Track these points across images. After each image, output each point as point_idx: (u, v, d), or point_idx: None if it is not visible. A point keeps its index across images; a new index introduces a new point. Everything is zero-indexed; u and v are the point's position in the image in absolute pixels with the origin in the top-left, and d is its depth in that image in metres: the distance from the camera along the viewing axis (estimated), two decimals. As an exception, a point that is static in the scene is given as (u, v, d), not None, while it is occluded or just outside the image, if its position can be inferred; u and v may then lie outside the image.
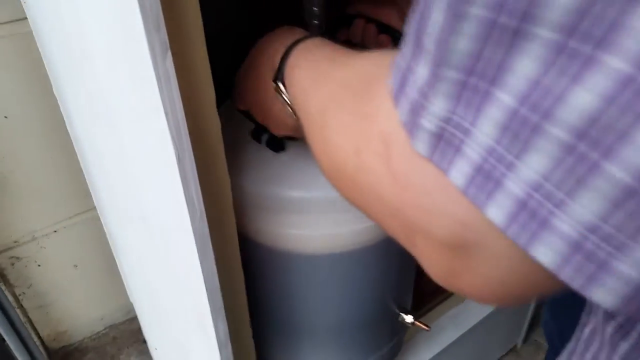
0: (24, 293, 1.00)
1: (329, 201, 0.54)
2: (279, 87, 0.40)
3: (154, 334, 0.95)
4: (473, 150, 0.18)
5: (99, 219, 0.95)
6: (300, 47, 0.40)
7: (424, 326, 0.72)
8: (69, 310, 1.09)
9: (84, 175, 0.88)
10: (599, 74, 0.14)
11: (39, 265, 1.00)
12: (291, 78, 0.39)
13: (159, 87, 0.36)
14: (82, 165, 0.86)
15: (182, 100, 0.37)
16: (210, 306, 0.49)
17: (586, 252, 0.16)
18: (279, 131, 0.48)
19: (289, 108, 0.41)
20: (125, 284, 1.04)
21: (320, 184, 0.53)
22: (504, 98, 0.17)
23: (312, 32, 0.55)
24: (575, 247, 0.17)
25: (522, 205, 0.17)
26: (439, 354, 0.89)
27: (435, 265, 0.23)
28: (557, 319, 0.76)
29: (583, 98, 0.15)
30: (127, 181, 0.57)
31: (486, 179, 0.18)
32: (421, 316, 0.86)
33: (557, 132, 0.16)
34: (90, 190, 0.89)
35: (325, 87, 0.33)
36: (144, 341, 1.15)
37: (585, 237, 0.16)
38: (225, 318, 0.50)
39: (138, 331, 1.18)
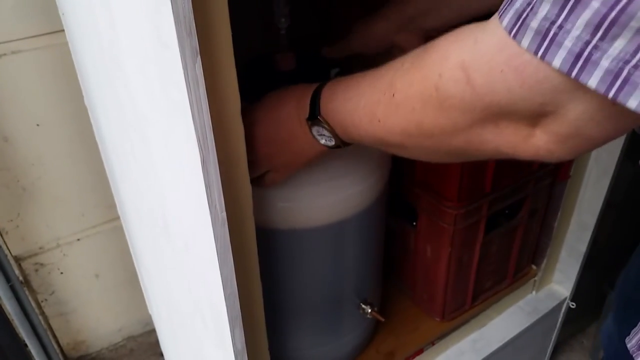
0: (46, 300, 1.01)
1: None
2: (317, 120, 0.48)
3: (171, 347, 0.95)
4: (569, 41, 0.27)
5: (122, 230, 0.96)
6: (327, 87, 0.48)
7: (379, 317, 0.77)
8: (88, 320, 1.10)
9: (109, 185, 0.90)
10: None
11: (61, 273, 1.01)
12: (332, 106, 0.47)
13: (187, 91, 0.37)
14: (108, 174, 0.88)
15: (209, 105, 0.38)
16: (228, 314, 0.49)
17: None
18: (289, 171, 0.56)
19: (328, 132, 0.48)
20: (145, 295, 1.05)
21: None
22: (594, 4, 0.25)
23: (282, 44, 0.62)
24: None
25: (611, 73, 0.26)
26: (457, 379, 0.88)
27: (517, 138, 0.34)
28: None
29: None
30: (152, 188, 0.58)
31: (582, 59, 0.26)
32: (441, 338, 0.86)
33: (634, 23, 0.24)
34: (115, 200, 0.91)
35: (377, 81, 0.42)
36: (161, 354, 1.15)
37: None
38: (242, 326, 0.50)
39: (156, 344, 1.18)
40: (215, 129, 0.40)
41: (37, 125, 0.89)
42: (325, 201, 0.62)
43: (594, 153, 0.92)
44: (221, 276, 0.45)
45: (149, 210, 0.65)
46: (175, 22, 0.34)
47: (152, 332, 1.18)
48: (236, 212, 0.47)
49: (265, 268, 0.55)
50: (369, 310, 0.75)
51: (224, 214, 0.43)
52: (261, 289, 0.53)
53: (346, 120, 0.46)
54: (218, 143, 0.40)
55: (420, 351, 0.87)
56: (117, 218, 0.98)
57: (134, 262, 0.98)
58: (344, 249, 0.68)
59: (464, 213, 0.78)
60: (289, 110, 0.51)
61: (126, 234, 0.93)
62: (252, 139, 0.53)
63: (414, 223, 0.88)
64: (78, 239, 1.01)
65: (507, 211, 0.91)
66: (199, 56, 0.36)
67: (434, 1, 0.66)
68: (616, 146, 0.89)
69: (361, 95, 0.44)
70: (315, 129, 0.49)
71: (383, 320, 0.77)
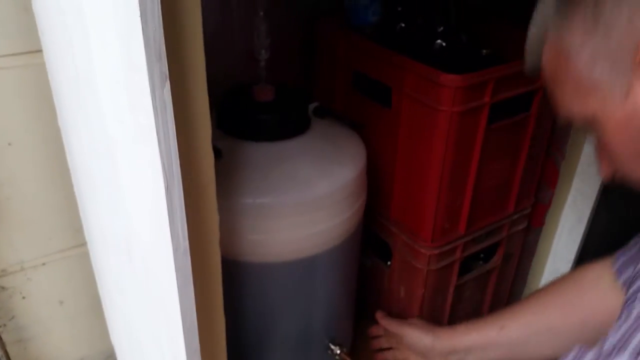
0: (4, 325, 0.97)
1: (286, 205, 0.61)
2: None
3: (132, 380, 0.92)
4: None
5: (88, 256, 0.93)
6: None
7: (348, 359, 0.75)
8: (48, 348, 1.06)
9: (78, 209, 0.88)
10: None
11: (23, 298, 0.97)
12: None
13: (154, 116, 0.36)
14: (77, 198, 0.86)
15: (177, 132, 0.37)
16: (186, 348, 0.47)
17: None
18: None
19: None
20: (108, 325, 1.01)
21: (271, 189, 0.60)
22: None
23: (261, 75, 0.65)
24: None
25: None
26: None
27: None
28: None
29: None
30: (118, 213, 0.56)
31: None
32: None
33: None
34: (83, 224, 0.88)
35: None
36: (122, 388, 1.11)
37: None
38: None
39: (117, 377, 1.13)
40: (183, 156, 0.39)
41: (9, 144, 0.87)
42: (297, 235, 0.61)
43: (569, 200, 0.92)
44: (180, 308, 0.44)
45: (113, 236, 0.64)
46: (145, 46, 0.34)
47: (115, 363, 1.14)
48: (201, 242, 0.46)
49: (232, 301, 0.53)
50: (338, 352, 0.73)
51: (187, 242, 0.42)
52: (224, 323, 0.52)
53: None
54: (185, 171, 0.40)
55: (389, 395, 0.85)
56: (85, 244, 0.95)
57: (99, 289, 0.95)
58: (314, 286, 0.67)
59: (438, 254, 0.78)
60: None
61: (92, 260, 0.91)
62: None
63: (388, 262, 0.87)
64: (43, 263, 0.97)
65: (482, 255, 0.91)
66: (167, 81, 0.35)
67: (485, 344, 0.74)
68: (591, 194, 0.90)
69: None
70: None
71: None
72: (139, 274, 0.56)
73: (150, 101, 0.35)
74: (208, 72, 0.40)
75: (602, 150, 0.50)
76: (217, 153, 0.58)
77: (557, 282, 0.73)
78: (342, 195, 0.64)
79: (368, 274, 0.90)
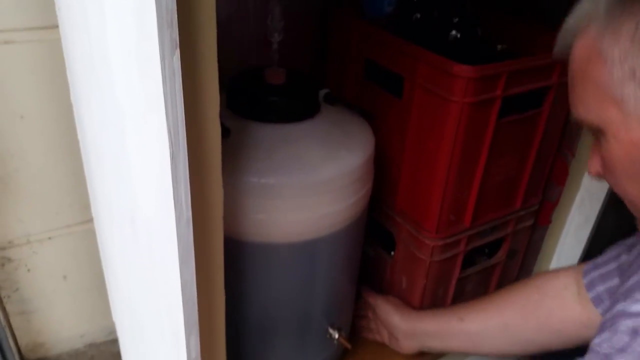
0: (9, 296, 0.99)
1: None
2: None
3: (131, 356, 0.92)
4: None
5: (94, 233, 0.94)
6: None
7: (346, 344, 0.76)
8: (50, 322, 1.07)
9: (86, 185, 0.88)
10: None
11: (28, 270, 0.99)
12: None
13: (163, 83, 0.36)
14: (85, 173, 0.87)
15: (185, 101, 0.37)
16: (185, 321, 0.47)
17: None
18: None
19: None
20: (110, 302, 1.02)
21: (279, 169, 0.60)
22: None
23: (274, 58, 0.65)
24: None
25: None
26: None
27: None
28: None
29: None
30: (124, 184, 0.56)
31: None
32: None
33: None
34: (90, 201, 0.89)
35: None
36: (122, 366, 1.12)
37: None
38: (198, 335, 0.48)
39: (117, 355, 1.14)
40: (190, 126, 0.39)
41: (21, 117, 0.88)
42: (301, 217, 0.61)
43: (577, 200, 0.92)
44: (181, 279, 0.44)
45: (119, 210, 0.64)
46: (157, 12, 0.34)
47: (116, 341, 1.14)
48: (205, 216, 0.46)
49: (233, 280, 0.54)
50: (337, 336, 0.73)
51: (190, 213, 0.42)
52: (224, 299, 0.52)
53: None
54: (192, 141, 0.40)
55: (385, 384, 0.85)
56: (91, 220, 0.96)
57: (103, 267, 0.95)
58: (316, 269, 0.67)
59: (442, 246, 0.78)
60: None
61: (97, 236, 0.91)
62: None
63: (392, 253, 0.87)
64: (49, 238, 0.98)
65: (486, 250, 0.91)
66: (177, 49, 0.35)
67: (443, 332, 0.78)
68: (600, 195, 0.90)
69: None
70: None
71: (350, 347, 0.76)
72: (142, 246, 0.57)
73: (160, 68, 0.36)
74: (221, 55, 0.40)
75: (598, 152, 0.50)
76: (226, 132, 0.58)
77: (522, 283, 0.76)
78: (348, 181, 0.64)
79: (371, 264, 0.90)
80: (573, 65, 0.49)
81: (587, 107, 0.48)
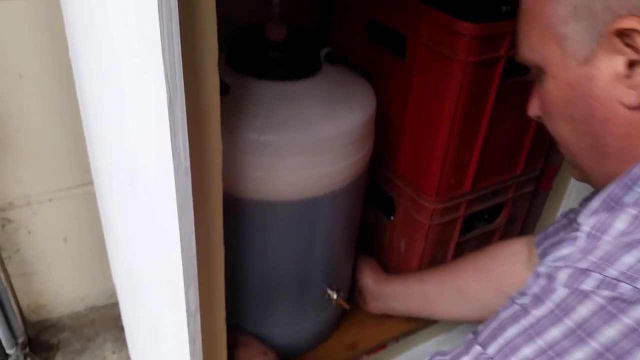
0: (9, 257, 0.99)
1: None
2: None
3: (131, 318, 0.93)
4: None
5: (94, 196, 0.94)
6: None
7: (344, 304, 0.77)
8: (51, 284, 1.07)
9: (86, 147, 0.88)
10: None
11: (29, 232, 0.99)
12: None
13: (160, 26, 0.35)
14: (85, 134, 0.86)
15: (183, 46, 0.37)
16: (184, 271, 0.47)
17: None
18: None
19: None
20: (111, 265, 1.03)
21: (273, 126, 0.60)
22: None
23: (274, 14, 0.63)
24: None
25: None
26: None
27: None
28: None
29: None
30: (122, 139, 0.56)
31: None
32: (406, 336, 0.84)
33: None
34: (90, 162, 0.89)
35: None
36: (122, 329, 1.13)
37: None
38: (197, 287, 0.48)
39: (118, 317, 1.15)
40: (188, 72, 0.38)
41: (20, 76, 0.87)
42: (300, 175, 0.61)
43: (578, 167, 0.91)
44: (179, 229, 0.44)
45: (119, 170, 0.64)
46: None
47: (116, 305, 1.16)
48: (204, 169, 0.46)
49: (232, 238, 0.53)
50: (335, 297, 0.74)
51: (188, 163, 0.41)
52: (223, 253, 0.52)
53: None
54: (190, 88, 0.39)
55: (382, 347, 0.85)
56: (91, 183, 0.96)
57: (103, 230, 0.96)
58: (315, 228, 0.67)
59: (441, 209, 0.78)
60: None
61: (97, 198, 0.91)
62: None
63: (391, 218, 0.87)
64: (50, 199, 0.98)
65: (486, 216, 0.91)
66: (175, -12, 0.35)
67: (404, 294, 0.82)
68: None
69: None
70: None
71: (348, 307, 0.76)
72: (142, 204, 0.57)
73: (157, 8, 0.35)
74: (221, 11, 0.39)
75: (538, 94, 0.52)
76: (225, 88, 0.57)
77: (479, 251, 0.78)
78: (348, 140, 0.63)
79: (370, 228, 0.90)
80: (523, 3, 0.50)
81: (531, 45, 0.49)
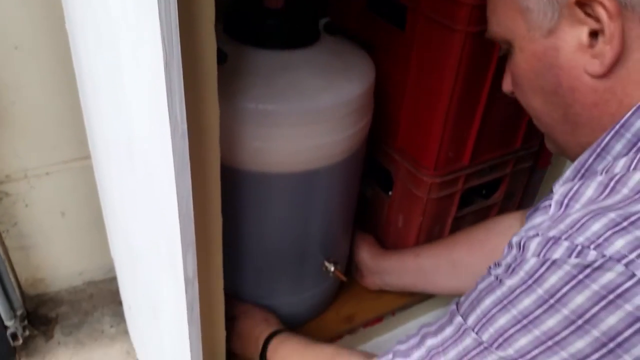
0: (7, 231, 0.99)
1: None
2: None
3: (129, 291, 0.94)
4: None
5: (92, 170, 0.94)
6: (274, 342, 0.67)
7: (341, 276, 0.77)
8: (49, 258, 1.08)
9: (83, 121, 0.88)
10: None
11: (26, 205, 0.99)
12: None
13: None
14: (82, 107, 0.86)
15: (179, 9, 0.36)
16: (182, 237, 0.47)
17: None
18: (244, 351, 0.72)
19: None
20: (108, 238, 1.03)
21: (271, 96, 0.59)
22: None
23: None
24: None
25: None
26: None
27: None
28: None
29: None
30: (120, 109, 0.56)
31: None
32: (403, 309, 0.85)
33: None
34: (87, 135, 0.88)
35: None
36: (120, 303, 1.13)
37: None
38: (195, 253, 0.48)
39: (116, 292, 1.16)
40: (184, 34, 0.38)
41: (15, 48, 0.86)
42: (298, 146, 0.61)
43: (577, 143, 0.91)
44: (177, 193, 0.44)
45: (116, 142, 0.63)
46: None
47: (114, 279, 1.16)
48: (200, 132, 0.46)
49: (229, 209, 0.53)
50: (332, 269, 0.74)
51: (185, 126, 0.41)
52: (221, 220, 0.52)
53: None
54: (186, 51, 0.39)
55: (379, 319, 0.86)
56: (89, 157, 0.96)
57: (101, 203, 0.96)
58: (313, 200, 0.66)
59: (440, 183, 0.77)
60: (250, 344, 0.70)
61: (95, 172, 0.91)
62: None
63: (389, 193, 0.86)
64: (47, 173, 0.98)
65: (484, 192, 0.91)
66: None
67: (400, 268, 0.82)
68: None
69: None
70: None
71: (345, 279, 0.76)
72: (139, 174, 0.57)
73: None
74: None
75: (509, 68, 0.52)
76: (222, 57, 0.56)
77: (474, 225, 0.79)
78: (346, 111, 0.63)
79: (368, 204, 0.90)
80: None
81: (498, 19, 0.50)
